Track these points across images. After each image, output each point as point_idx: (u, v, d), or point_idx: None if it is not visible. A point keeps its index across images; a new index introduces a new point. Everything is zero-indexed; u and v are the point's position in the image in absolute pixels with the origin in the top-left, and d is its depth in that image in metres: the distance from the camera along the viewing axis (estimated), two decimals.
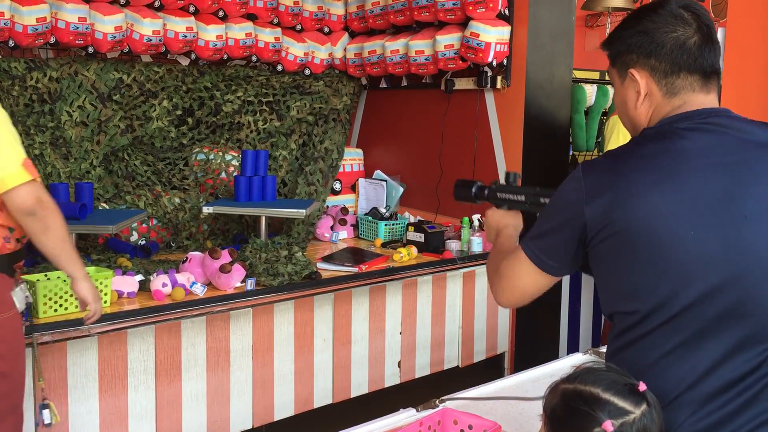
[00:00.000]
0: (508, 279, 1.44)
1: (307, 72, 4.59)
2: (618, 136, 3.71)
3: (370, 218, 4.04)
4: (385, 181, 4.31)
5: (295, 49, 4.45)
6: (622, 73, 1.38)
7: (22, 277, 2.33)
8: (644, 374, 1.23)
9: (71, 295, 2.45)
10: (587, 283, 4.10)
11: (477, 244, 3.66)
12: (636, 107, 1.37)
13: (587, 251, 1.32)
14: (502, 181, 1.72)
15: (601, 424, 1.13)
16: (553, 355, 3.72)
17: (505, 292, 1.46)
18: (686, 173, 1.23)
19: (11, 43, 3.46)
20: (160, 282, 2.71)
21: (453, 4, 3.77)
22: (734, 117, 1.31)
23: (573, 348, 4.05)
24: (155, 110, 4.02)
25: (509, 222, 1.67)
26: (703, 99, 1.32)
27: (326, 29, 4.69)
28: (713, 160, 1.24)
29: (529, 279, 1.40)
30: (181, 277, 2.83)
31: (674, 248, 1.21)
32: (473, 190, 1.74)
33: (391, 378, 3.42)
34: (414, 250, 3.56)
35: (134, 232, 3.58)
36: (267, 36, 4.31)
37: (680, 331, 1.23)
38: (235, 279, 2.89)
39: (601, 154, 4.30)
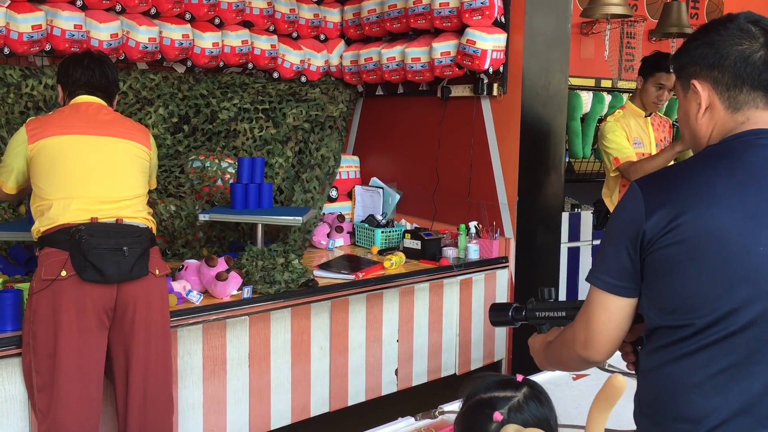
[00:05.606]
0: (589, 330, 1.35)
1: (303, 79, 4.59)
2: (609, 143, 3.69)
3: (366, 225, 4.03)
4: (382, 188, 4.31)
5: (291, 57, 4.45)
6: (685, 85, 1.38)
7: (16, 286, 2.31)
8: (690, 392, 1.22)
9: None
10: (584, 290, 4.09)
11: (473, 252, 3.65)
12: (697, 119, 1.35)
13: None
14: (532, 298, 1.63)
15: (492, 419, 1.20)
16: None
17: (593, 345, 1.35)
18: (755, 188, 1.22)
19: (6, 51, 3.45)
20: None
21: (449, 12, 3.77)
22: None
23: None
24: (151, 118, 4.00)
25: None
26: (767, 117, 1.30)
27: (322, 36, 4.69)
28: None
29: (606, 313, 1.33)
30: (178, 285, 2.82)
31: (742, 263, 1.19)
32: (510, 312, 1.64)
33: (389, 386, 3.41)
34: (402, 256, 3.58)
35: None
36: (263, 43, 4.31)
37: (735, 350, 1.20)
38: (232, 287, 2.88)
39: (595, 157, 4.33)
